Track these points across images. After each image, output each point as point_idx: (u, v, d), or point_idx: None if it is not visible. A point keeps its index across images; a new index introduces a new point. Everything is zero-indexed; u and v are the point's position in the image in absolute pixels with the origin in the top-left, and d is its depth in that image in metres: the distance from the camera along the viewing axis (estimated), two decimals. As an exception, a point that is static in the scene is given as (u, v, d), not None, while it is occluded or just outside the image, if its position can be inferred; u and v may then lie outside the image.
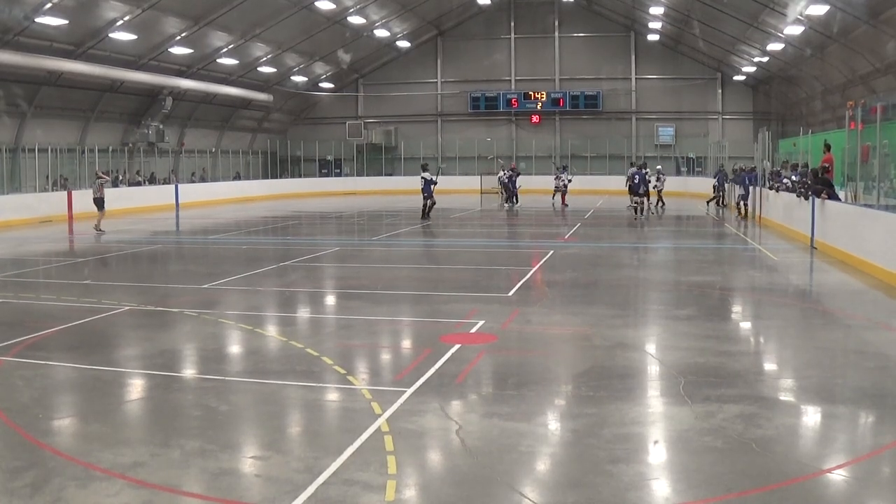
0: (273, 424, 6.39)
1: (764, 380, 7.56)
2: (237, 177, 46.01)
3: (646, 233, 23.41)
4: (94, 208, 24.17)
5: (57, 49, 29.13)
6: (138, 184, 37.03)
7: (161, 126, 37.56)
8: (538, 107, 48.52)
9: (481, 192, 40.15)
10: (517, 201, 34.58)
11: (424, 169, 28.29)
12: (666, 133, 47.22)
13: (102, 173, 26.03)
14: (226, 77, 39.51)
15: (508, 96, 48.67)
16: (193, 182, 41.46)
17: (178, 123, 40.25)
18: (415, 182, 48.31)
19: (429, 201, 27.58)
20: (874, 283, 12.97)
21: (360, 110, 51.32)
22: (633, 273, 15.06)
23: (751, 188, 26.66)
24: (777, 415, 6.45)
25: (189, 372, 8.12)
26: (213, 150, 44.14)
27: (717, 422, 6.28)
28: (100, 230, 23.14)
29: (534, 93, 48.28)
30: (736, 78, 44.94)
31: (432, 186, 27.51)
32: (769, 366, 8.31)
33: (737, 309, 11.60)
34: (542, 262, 15.94)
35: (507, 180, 35.60)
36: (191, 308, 11.12)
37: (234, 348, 9.15)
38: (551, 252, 17.42)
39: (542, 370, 7.91)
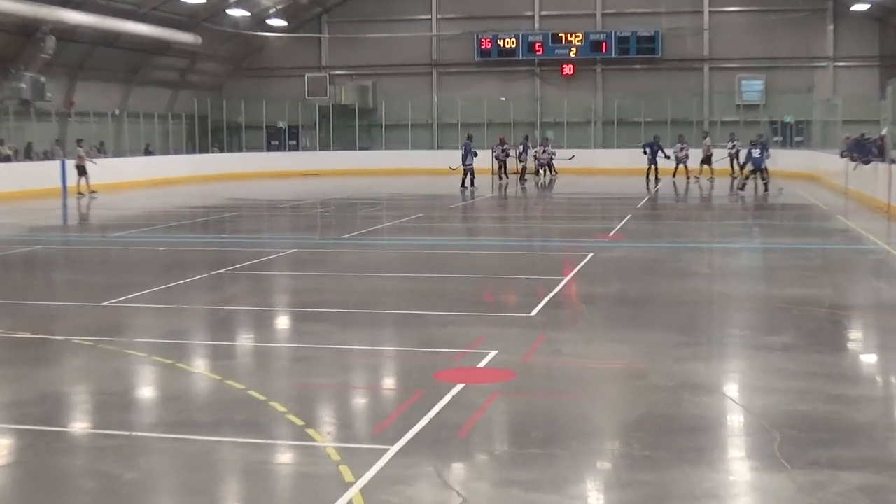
0: (201, 499, 6.29)
1: None
2: (150, 150, 46.01)
3: (722, 228, 23.36)
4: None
5: None
6: (6, 158, 36.83)
7: (40, 78, 37.36)
8: (572, 53, 48.58)
9: (492, 173, 40.25)
10: (532, 177, 37.97)
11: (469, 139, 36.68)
12: (752, 88, 47.27)
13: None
14: (134, 9, 39.54)
15: (531, 39, 48.75)
16: (88, 157, 41.39)
17: (65, 74, 40.24)
18: (400, 158, 49.09)
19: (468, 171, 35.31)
20: None
21: (325, 59, 51.35)
22: (704, 284, 14.96)
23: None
24: (911, 484, 6.40)
25: (80, 425, 8.01)
26: (117, 112, 44.19)
27: (829, 497, 6.20)
28: (93, 193, 32.91)
29: (566, 34, 48.36)
30: (855, 7, 44.25)
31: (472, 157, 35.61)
32: (901, 416, 8.25)
33: (855, 336, 11.50)
34: (577, 270, 15.87)
35: (543, 155, 38.37)
36: (83, 335, 11.01)
37: (146, 391, 9.05)
38: (590, 255, 17.37)
39: (578, 420, 7.84)
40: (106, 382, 9.13)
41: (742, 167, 33.83)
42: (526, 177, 40.29)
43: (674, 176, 38.84)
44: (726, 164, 39.01)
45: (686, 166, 38.77)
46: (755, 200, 30.27)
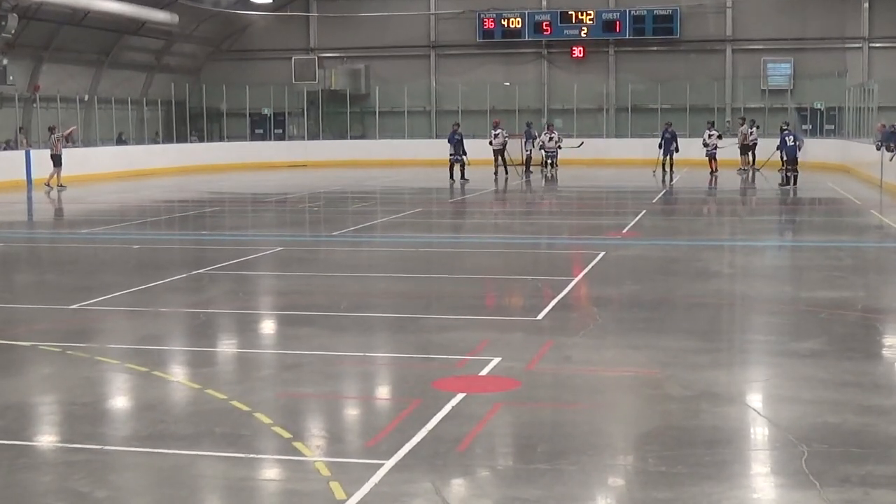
0: (179, 517, 6.31)
1: (932, 450, 7.53)
2: (123, 139, 45.98)
3: (746, 224, 23.37)
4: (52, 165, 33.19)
5: None
6: (-36, 148, 37.04)
7: (1, 60, 37.31)
8: (582, 34, 48.58)
9: (496, 165, 40.18)
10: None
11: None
12: (779, 72, 47.25)
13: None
14: (105, -16, 39.46)
15: (538, 19, 48.77)
16: (64, 143, 41.38)
17: (30, 56, 40.22)
18: (396, 148, 49.10)
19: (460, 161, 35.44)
20: None
21: (314, 40, 51.36)
22: (725, 286, 14.99)
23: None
24: (950, 502, 6.41)
25: (47, 439, 8.02)
26: (86, 97, 44.12)
27: (858, 513, 6.22)
28: (61, 186, 33.20)
29: (576, 13, 48.37)
30: (894, -17, 44.76)
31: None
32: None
33: (890, 342, 11.51)
34: (587, 269, 15.88)
35: (550, 143, 38.42)
36: (50, 340, 11.01)
37: (119, 401, 9.06)
38: (602, 254, 17.38)
39: (588, 433, 7.86)
40: (75, 392, 9.13)
41: (780, 158, 33.19)
42: (531, 168, 40.10)
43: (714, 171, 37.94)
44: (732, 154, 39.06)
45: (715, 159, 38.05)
46: (782, 194, 30.25)
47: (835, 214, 25.45)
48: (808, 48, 46.84)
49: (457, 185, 34.61)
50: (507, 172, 38.63)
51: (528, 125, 42.36)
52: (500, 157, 38.78)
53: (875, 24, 46.54)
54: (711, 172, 37.41)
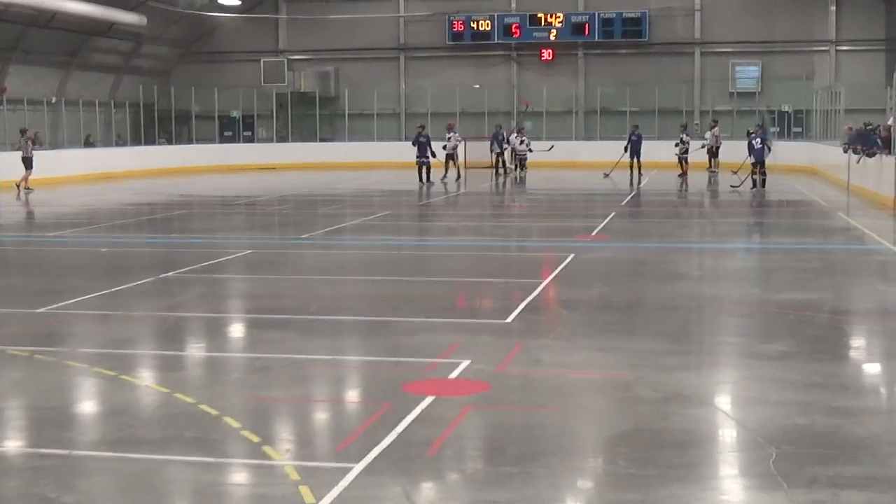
0: (147, 522, 6.29)
1: (900, 451, 7.58)
2: (91, 142, 45.74)
3: (715, 227, 23.46)
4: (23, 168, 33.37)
5: None
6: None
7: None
8: (552, 36, 48.74)
9: (446, 168, 39.94)
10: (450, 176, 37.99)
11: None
12: (747, 74, 47.52)
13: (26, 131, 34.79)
14: (72, -15, 39.27)
15: (507, 21, 48.87)
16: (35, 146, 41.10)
17: (-4, 57, 39.98)
18: (365, 151, 49.06)
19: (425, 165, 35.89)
20: None
21: (283, 42, 51.26)
22: (694, 288, 15.04)
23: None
24: (918, 504, 6.46)
25: (13, 444, 7.97)
26: (53, 99, 43.87)
27: (826, 515, 6.25)
28: (27, 188, 33.26)
29: (545, 15, 48.52)
30: (861, -15, 45.08)
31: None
32: (908, 430, 8.33)
33: (858, 343, 11.57)
34: (557, 272, 15.90)
35: (519, 145, 38.65)
36: (17, 344, 10.95)
37: (87, 406, 9.01)
38: (571, 256, 17.41)
39: (559, 435, 7.86)
40: (42, 396, 9.07)
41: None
42: (500, 171, 40.07)
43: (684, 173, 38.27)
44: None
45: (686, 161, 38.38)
46: (750, 197, 30.40)
47: (803, 217, 25.57)
48: (776, 51, 47.17)
49: (425, 187, 34.63)
50: (459, 175, 38.53)
51: (498, 127, 42.29)
52: (450, 161, 38.57)
53: (842, 28, 46.89)
54: (681, 174, 37.61)
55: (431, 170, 36.01)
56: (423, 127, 37.67)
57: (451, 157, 38.60)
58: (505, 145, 40.31)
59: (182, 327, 12.33)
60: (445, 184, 36.60)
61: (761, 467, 7.06)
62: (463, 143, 39.67)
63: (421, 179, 35.53)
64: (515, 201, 32.37)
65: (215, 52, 51.34)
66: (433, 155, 35.74)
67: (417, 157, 35.99)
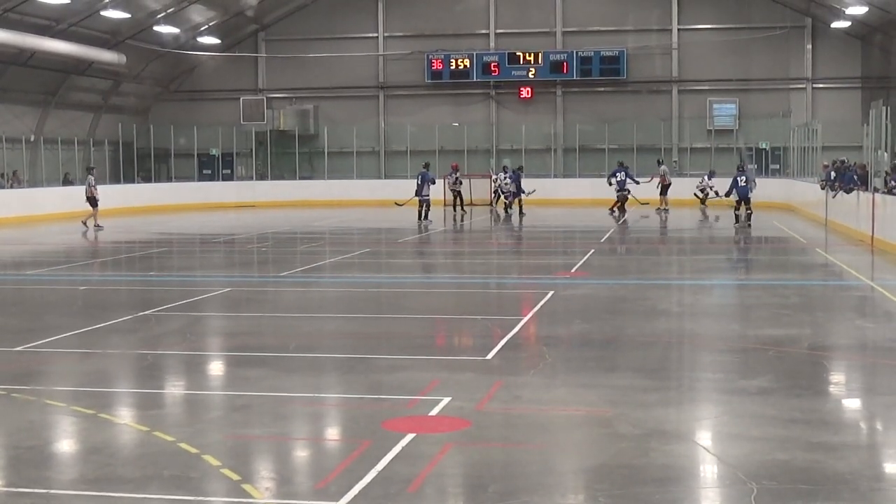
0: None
1: (884, 488, 7.56)
2: (69, 180, 45.59)
3: (694, 263, 23.54)
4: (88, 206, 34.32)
5: None
6: None
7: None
8: (530, 74, 49.03)
9: (445, 204, 40.35)
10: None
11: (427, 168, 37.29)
12: (725, 112, 47.89)
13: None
14: (51, 24, 39.32)
15: (486, 59, 49.11)
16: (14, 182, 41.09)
17: (-26, 96, 39.96)
18: (345, 189, 49.10)
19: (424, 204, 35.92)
20: None
21: (262, 80, 51.36)
22: (674, 324, 15.07)
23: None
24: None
25: (-5, 481, 7.93)
26: (32, 138, 43.83)
27: (806, 549, 6.26)
28: (97, 226, 33.84)
29: (524, 54, 48.79)
30: (835, 25, 45.21)
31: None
32: (892, 467, 8.31)
33: (837, 379, 11.62)
34: (537, 309, 15.92)
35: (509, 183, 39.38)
36: (-2, 382, 10.91)
37: (66, 444, 8.96)
38: (550, 293, 17.44)
39: (539, 472, 7.85)
40: (20, 435, 9.02)
41: (727, 195, 33.90)
42: (507, 209, 40.40)
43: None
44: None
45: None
46: (731, 233, 30.55)
47: (781, 253, 25.70)
48: (752, 89, 47.55)
49: (422, 225, 34.81)
50: (463, 210, 39.72)
51: (505, 168, 42.22)
52: (457, 198, 39.82)
53: (818, 66, 47.37)
54: (661, 209, 38.40)
55: (430, 208, 36.29)
56: (427, 165, 37.89)
57: (457, 194, 39.81)
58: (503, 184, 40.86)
59: (161, 365, 12.28)
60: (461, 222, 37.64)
61: (743, 503, 7.07)
62: (468, 180, 41.08)
63: (421, 217, 35.69)
64: (494, 238, 32.42)
65: (195, 90, 51.42)
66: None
67: (416, 194, 36.30)
